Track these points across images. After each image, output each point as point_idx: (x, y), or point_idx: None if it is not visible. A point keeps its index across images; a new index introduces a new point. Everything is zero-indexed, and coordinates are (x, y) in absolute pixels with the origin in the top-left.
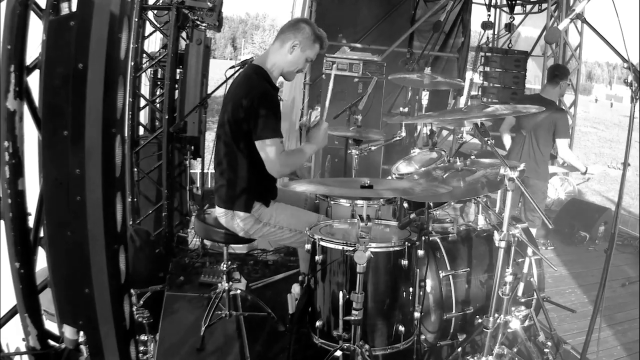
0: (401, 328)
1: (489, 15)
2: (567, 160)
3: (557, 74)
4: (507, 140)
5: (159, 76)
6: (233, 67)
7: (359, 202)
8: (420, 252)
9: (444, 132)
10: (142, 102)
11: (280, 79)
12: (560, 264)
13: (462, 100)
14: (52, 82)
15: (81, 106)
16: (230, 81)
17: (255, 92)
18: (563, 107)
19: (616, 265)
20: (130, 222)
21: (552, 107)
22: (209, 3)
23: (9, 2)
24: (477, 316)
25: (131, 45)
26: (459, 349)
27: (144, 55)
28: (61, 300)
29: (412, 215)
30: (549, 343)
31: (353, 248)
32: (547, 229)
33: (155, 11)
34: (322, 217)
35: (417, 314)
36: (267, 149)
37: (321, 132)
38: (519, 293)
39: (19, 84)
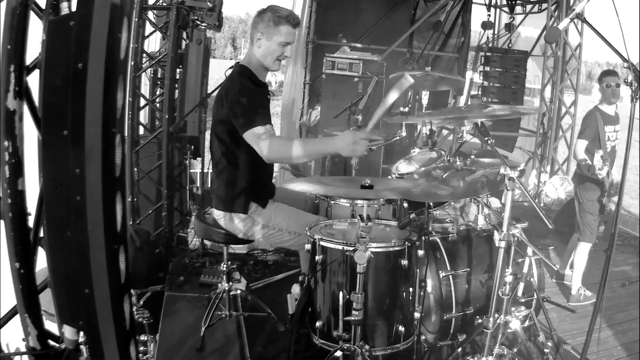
0: (401, 328)
1: (489, 15)
2: (581, 162)
3: (598, 79)
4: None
5: (159, 76)
6: (232, 67)
7: (359, 202)
8: (420, 252)
9: (444, 132)
10: (142, 102)
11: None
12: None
13: (462, 100)
14: (52, 82)
15: (81, 106)
16: None
17: (234, 89)
18: (598, 108)
19: (616, 265)
20: (130, 222)
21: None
22: (209, 3)
23: (9, 2)
24: (477, 316)
25: (131, 45)
26: (459, 349)
27: (144, 55)
28: (61, 300)
29: (412, 215)
30: (549, 343)
31: (353, 248)
32: (547, 229)
33: (155, 11)
34: (322, 219)
35: (417, 314)
36: (251, 140)
37: (349, 137)
38: (519, 293)
39: (19, 83)
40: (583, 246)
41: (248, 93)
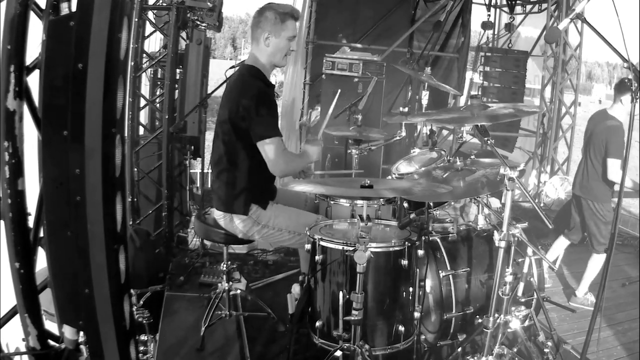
0: (401, 328)
1: (489, 15)
2: (618, 183)
3: (618, 89)
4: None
5: (159, 76)
6: (233, 67)
7: (359, 202)
8: (420, 252)
9: (444, 132)
10: (142, 102)
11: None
12: (561, 264)
13: (462, 100)
14: (52, 82)
15: (81, 106)
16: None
17: (251, 92)
18: (619, 123)
19: (616, 265)
20: (130, 222)
21: (607, 122)
22: (209, 3)
23: (9, 2)
24: (477, 316)
25: (131, 45)
26: (459, 349)
27: (144, 55)
28: (61, 300)
29: (412, 215)
30: (549, 343)
31: (353, 248)
32: (547, 229)
33: (155, 11)
34: (321, 218)
35: (417, 314)
36: (266, 148)
37: (316, 149)
38: (519, 293)
39: (19, 84)
40: (598, 258)
41: (265, 100)
